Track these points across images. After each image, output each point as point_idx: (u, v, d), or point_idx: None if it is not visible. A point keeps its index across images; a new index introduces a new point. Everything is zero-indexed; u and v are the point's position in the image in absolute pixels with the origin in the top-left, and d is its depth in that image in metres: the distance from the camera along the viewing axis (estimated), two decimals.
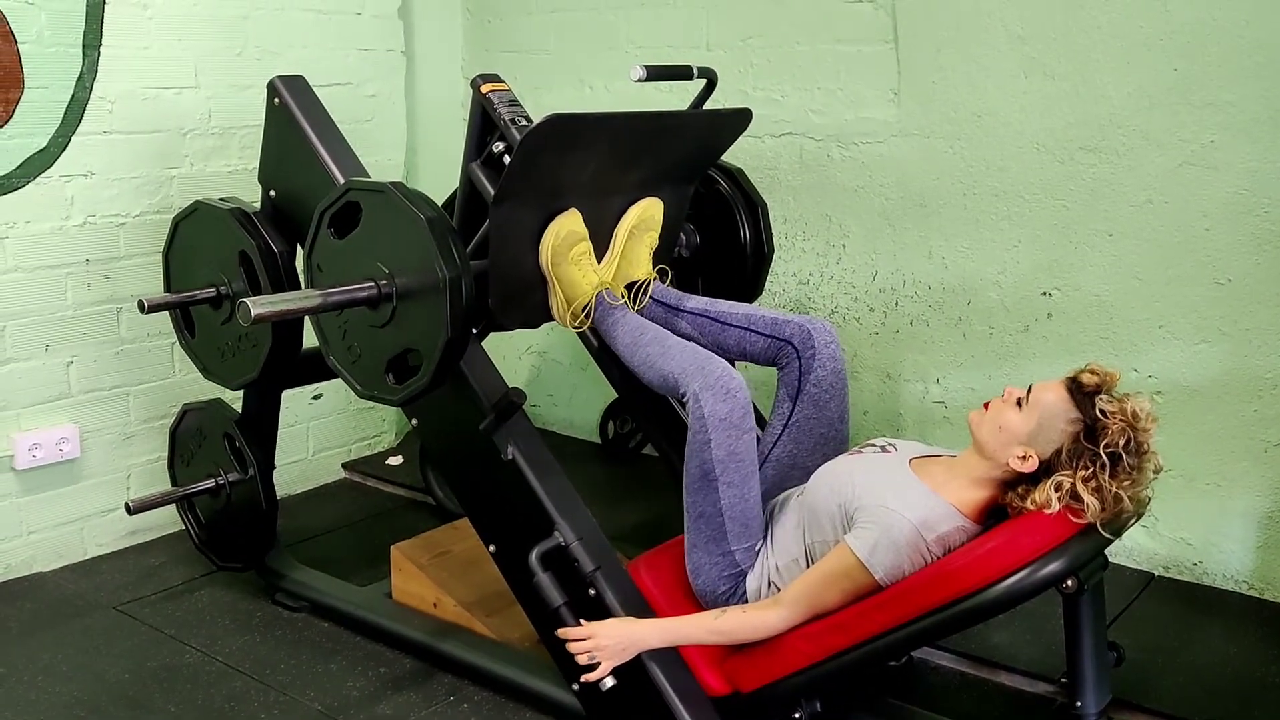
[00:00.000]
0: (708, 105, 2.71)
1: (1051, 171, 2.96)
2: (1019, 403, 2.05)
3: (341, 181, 2.53)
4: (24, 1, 2.89)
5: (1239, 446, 2.81)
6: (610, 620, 2.17)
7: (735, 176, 2.89)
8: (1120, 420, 1.95)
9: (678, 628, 2.18)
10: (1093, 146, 2.89)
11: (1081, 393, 1.99)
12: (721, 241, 2.88)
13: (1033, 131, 2.97)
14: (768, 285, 3.46)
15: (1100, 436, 1.95)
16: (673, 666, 2.18)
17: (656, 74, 2.57)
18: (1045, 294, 3.02)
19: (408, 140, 3.92)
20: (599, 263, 2.49)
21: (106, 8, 3.04)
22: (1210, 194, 2.76)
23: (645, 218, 2.54)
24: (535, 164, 2.27)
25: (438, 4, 4.01)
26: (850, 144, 3.28)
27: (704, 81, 2.70)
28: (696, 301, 2.54)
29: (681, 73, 2.67)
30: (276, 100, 2.66)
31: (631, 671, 2.18)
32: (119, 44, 3.08)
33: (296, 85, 2.67)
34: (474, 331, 2.35)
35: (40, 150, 2.98)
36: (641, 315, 2.49)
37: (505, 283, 2.40)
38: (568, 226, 2.39)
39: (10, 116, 2.91)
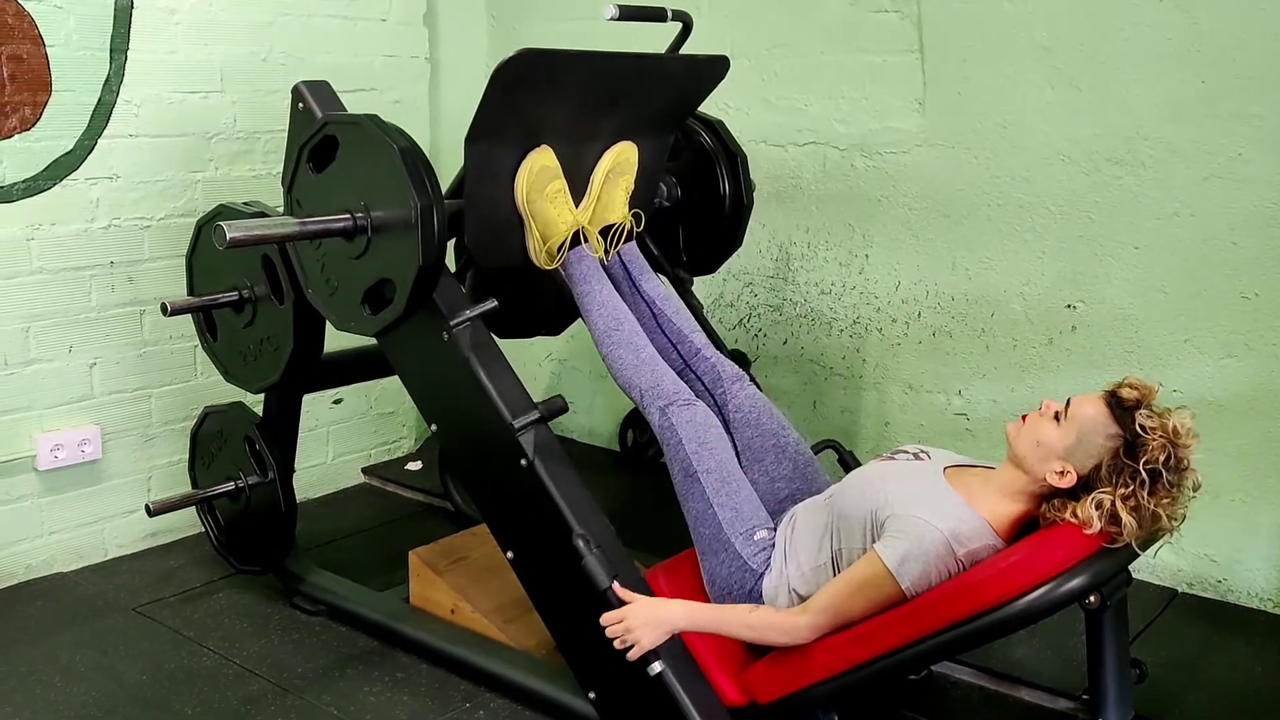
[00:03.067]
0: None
1: (1077, 183, 2.94)
2: (1056, 416, 2.03)
3: None
4: (52, 5, 2.91)
5: (1265, 463, 2.78)
6: (642, 600, 2.16)
7: (715, 128, 2.92)
8: (1161, 436, 1.93)
9: (708, 614, 2.18)
10: (1119, 158, 2.87)
11: (1121, 407, 1.97)
12: (701, 193, 2.91)
13: (1058, 143, 2.95)
14: (791, 294, 3.47)
15: (1140, 453, 1.93)
16: (689, 676, 2.17)
17: (629, 14, 2.60)
18: (1070, 306, 3.00)
19: (431, 146, 3.92)
20: (576, 206, 2.52)
21: (134, 12, 3.06)
22: (1237, 207, 2.73)
23: (620, 160, 2.59)
24: (509, 98, 2.30)
25: (463, 11, 4.02)
26: (874, 154, 3.27)
27: (679, 25, 2.71)
28: (651, 287, 2.61)
29: (655, 14, 2.69)
30: (301, 105, 2.66)
31: (647, 679, 2.17)
32: (146, 48, 3.10)
33: (321, 90, 2.68)
34: (485, 307, 2.36)
35: (67, 153, 3.00)
36: (607, 269, 2.55)
37: (482, 222, 2.44)
38: (540, 162, 2.43)
39: (38, 119, 2.93)
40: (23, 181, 2.93)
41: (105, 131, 3.06)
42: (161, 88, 3.15)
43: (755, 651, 2.25)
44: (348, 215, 2.26)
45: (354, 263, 2.31)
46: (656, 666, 2.11)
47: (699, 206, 2.93)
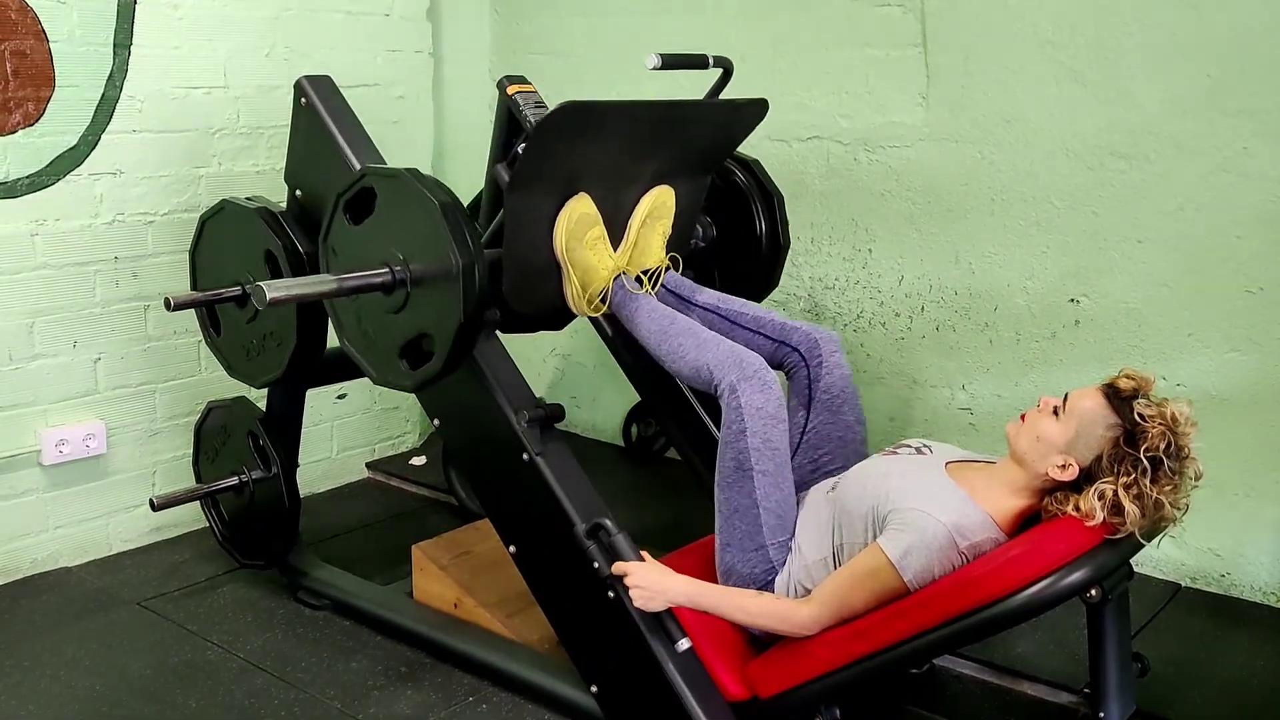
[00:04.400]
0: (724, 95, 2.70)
1: (1081, 178, 2.93)
2: (1055, 411, 2.04)
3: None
4: (56, 1, 2.91)
5: (1269, 457, 2.78)
6: (649, 564, 2.16)
7: (751, 167, 2.89)
8: (1160, 424, 1.94)
9: (710, 594, 2.17)
10: (1123, 153, 2.86)
11: (1119, 398, 1.98)
12: (738, 233, 2.88)
13: (1062, 137, 2.95)
14: (792, 288, 3.46)
15: (1140, 441, 1.94)
16: (691, 670, 2.17)
17: (672, 62, 2.57)
18: (1073, 301, 2.99)
19: (435, 141, 3.93)
20: (614, 250, 2.50)
21: (137, 7, 3.07)
22: (1242, 202, 2.72)
23: (658, 205, 2.55)
24: (551, 150, 2.28)
25: (466, 6, 4.02)
26: (878, 148, 3.26)
27: (720, 71, 2.69)
28: (708, 296, 2.55)
29: (697, 61, 2.67)
30: (304, 100, 2.67)
31: (649, 673, 2.17)
32: (149, 43, 3.10)
33: (324, 86, 2.69)
34: (491, 320, 2.35)
35: (70, 148, 3.00)
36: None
37: (520, 270, 2.41)
38: (580, 210, 2.40)
39: (41, 115, 2.94)
40: (27, 177, 2.93)
41: (109, 127, 3.06)
42: (165, 83, 3.16)
43: (757, 646, 2.26)
44: (386, 270, 2.20)
45: (392, 316, 2.25)
46: (684, 644, 2.11)
47: (735, 247, 2.89)
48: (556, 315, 2.57)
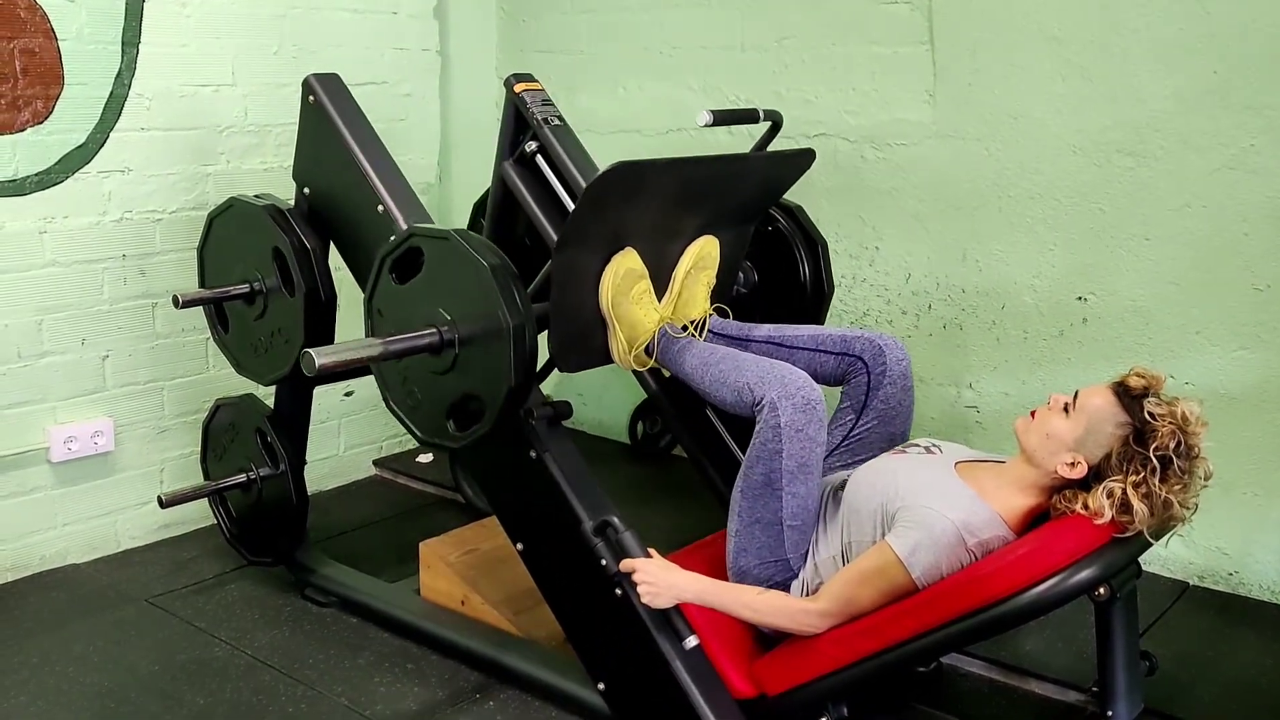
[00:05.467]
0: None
1: (1088, 175, 2.93)
2: (1065, 409, 2.03)
3: (378, 184, 2.54)
4: None
5: (1277, 455, 2.77)
6: (656, 559, 2.16)
7: (795, 214, 2.87)
8: (1170, 423, 1.93)
9: (716, 591, 2.16)
10: (1130, 150, 2.86)
11: (1129, 396, 1.98)
12: (781, 279, 2.87)
13: (1069, 134, 2.94)
14: None
15: (1150, 440, 1.93)
16: (698, 667, 2.17)
17: (723, 119, 2.58)
18: (1080, 299, 2.99)
19: (442, 139, 3.93)
20: (659, 301, 2.48)
21: (145, 5, 3.07)
22: (1249, 198, 2.72)
23: (703, 256, 2.53)
24: (600, 209, 2.26)
25: (473, 4, 4.02)
26: (884, 145, 3.26)
27: (769, 124, 2.68)
28: (764, 330, 2.51)
29: (748, 116, 2.67)
30: (311, 98, 2.67)
31: (657, 671, 2.17)
32: (157, 41, 3.11)
33: (331, 84, 2.69)
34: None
35: (79, 146, 3.01)
36: None
37: (566, 327, 2.38)
38: (626, 265, 2.37)
39: (50, 112, 2.95)
40: (35, 175, 2.94)
41: (117, 125, 3.07)
42: (173, 81, 3.16)
43: (765, 643, 2.25)
44: (434, 331, 2.18)
45: (439, 377, 2.23)
46: (692, 640, 2.11)
47: (778, 293, 2.88)
48: (600, 364, 2.56)
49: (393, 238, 2.29)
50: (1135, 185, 2.87)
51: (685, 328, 2.48)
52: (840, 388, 2.44)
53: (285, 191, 2.82)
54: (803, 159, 2.62)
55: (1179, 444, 1.93)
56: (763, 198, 2.68)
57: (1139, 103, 2.83)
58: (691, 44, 3.60)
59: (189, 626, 2.80)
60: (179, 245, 3.20)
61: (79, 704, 2.46)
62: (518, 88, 2.59)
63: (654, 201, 2.36)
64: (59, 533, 3.13)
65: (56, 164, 2.98)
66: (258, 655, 2.67)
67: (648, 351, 2.45)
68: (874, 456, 2.34)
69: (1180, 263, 2.83)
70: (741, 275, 2.84)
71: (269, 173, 3.37)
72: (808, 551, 2.23)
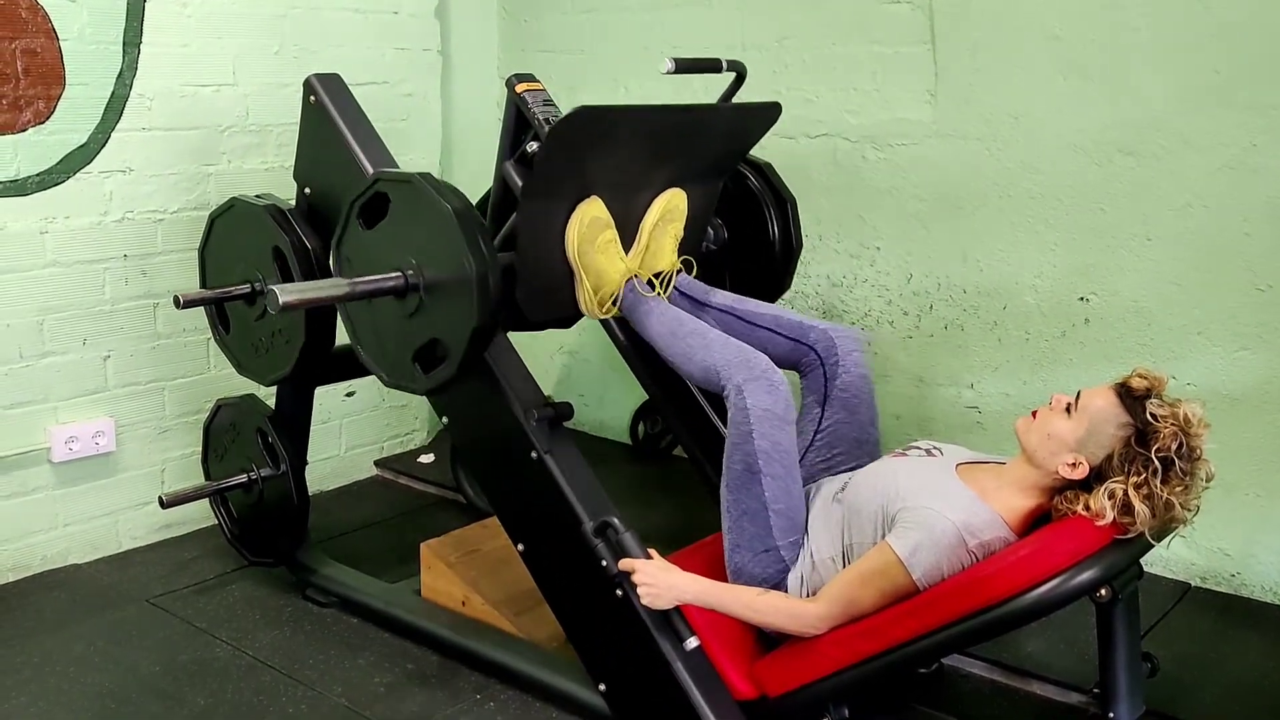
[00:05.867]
0: (737, 98, 2.69)
1: (1089, 174, 2.93)
2: (1067, 409, 2.03)
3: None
4: None
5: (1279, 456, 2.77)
6: (656, 561, 2.16)
7: (764, 171, 2.88)
8: (1172, 424, 1.93)
9: (716, 591, 2.17)
10: (1131, 149, 2.86)
11: (1131, 397, 1.98)
12: (750, 236, 2.88)
13: (1070, 134, 2.94)
14: (799, 286, 3.46)
15: (1152, 441, 1.93)
16: (699, 668, 2.17)
17: (686, 66, 2.57)
18: (1082, 299, 2.99)
19: (443, 139, 3.93)
20: (626, 254, 2.49)
21: (147, 5, 3.07)
22: (1251, 198, 2.72)
23: (670, 208, 2.55)
24: (565, 155, 2.27)
25: (474, 4, 4.02)
26: (885, 145, 3.26)
27: (734, 75, 2.69)
28: (722, 297, 2.55)
29: (711, 65, 2.66)
30: (312, 98, 2.67)
31: (658, 672, 2.17)
32: (159, 41, 3.11)
33: (332, 83, 2.69)
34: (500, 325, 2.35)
35: (80, 146, 3.01)
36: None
37: (533, 275, 2.41)
38: (591, 213, 2.40)
39: (52, 113, 2.94)
40: (37, 175, 2.94)
41: (118, 125, 3.07)
42: (174, 81, 3.16)
43: (766, 644, 2.25)
44: (399, 274, 2.21)
45: (405, 321, 2.26)
46: (692, 642, 2.11)
47: (747, 250, 2.89)
48: (569, 318, 2.57)
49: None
50: (1136, 185, 2.86)
51: (652, 282, 2.50)
52: (799, 377, 2.46)
53: (286, 191, 2.82)
54: (770, 111, 2.63)
55: (1181, 446, 1.92)
56: (730, 151, 2.69)
57: (1140, 102, 2.83)
58: (693, 44, 3.60)
59: (190, 627, 2.80)
60: (180, 245, 3.20)
61: (80, 704, 2.46)
62: (519, 88, 2.58)
63: (620, 150, 2.37)
64: (60, 533, 3.13)
65: (58, 164, 2.97)
66: (259, 656, 2.67)
67: (614, 301, 2.47)
68: (849, 449, 2.38)
69: (1182, 263, 2.83)
70: (711, 232, 2.85)
71: (270, 173, 3.37)
72: (800, 543, 2.23)
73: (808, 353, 2.44)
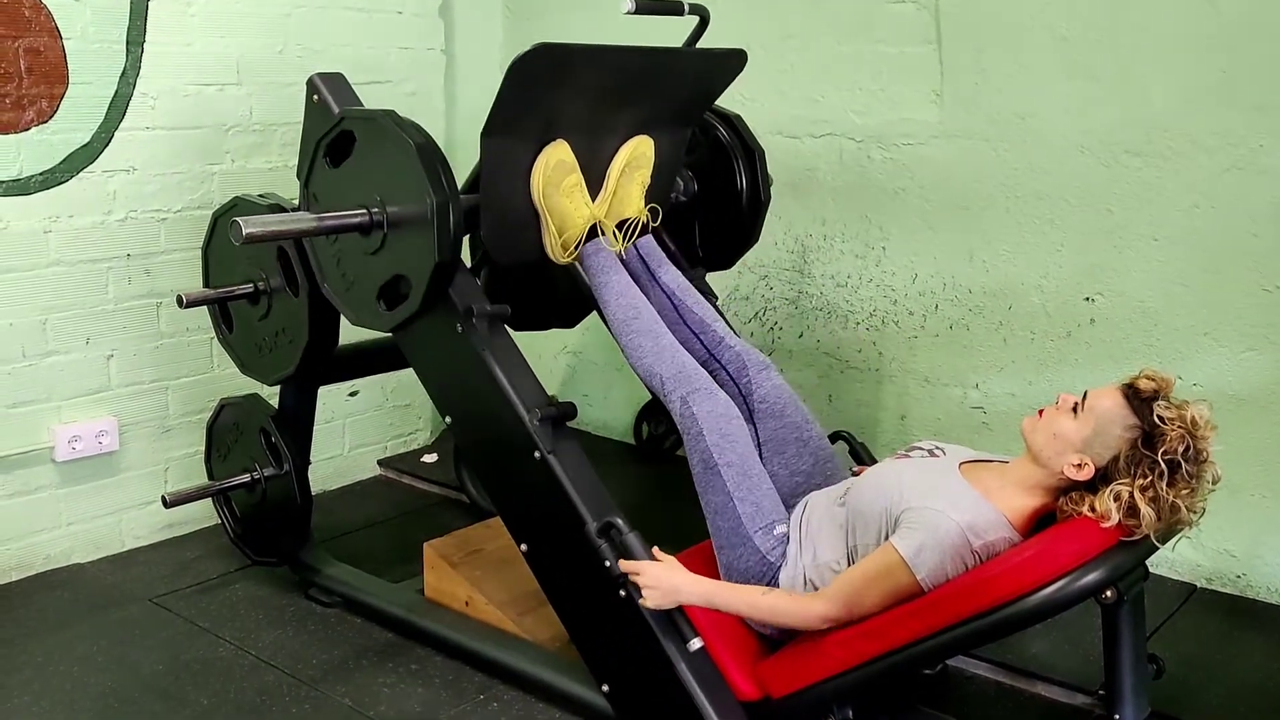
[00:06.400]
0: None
1: (1095, 175, 2.92)
2: (1074, 409, 2.02)
3: None
4: None
5: None
6: (660, 563, 2.16)
7: (733, 123, 2.91)
8: (1179, 427, 1.92)
9: (720, 592, 2.17)
10: (1138, 150, 2.85)
11: (1139, 399, 1.96)
12: (718, 187, 2.90)
13: (1076, 134, 2.93)
14: (804, 286, 3.45)
15: (1158, 443, 1.92)
16: (703, 669, 2.17)
17: (646, 9, 2.60)
18: (1088, 299, 2.98)
19: (446, 138, 3.93)
20: (593, 201, 2.52)
21: (150, 5, 3.07)
22: (1258, 198, 2.71)
23: (637, 155, 2.58)
24: (525, 93, 2.29)
25: (478, 3, 4.02)
26: (891, 145, 3.25)
27: (696, 19, 2.70)
28: (670, 277, 2.60)
29: (673, 8, 2.69)
30: (316, 97, 2.66)
31: (661, 673, 2.16)
32: (162, 40, 3.11)
33: (336, 82, 2.67)
34: (500, 313, 2.36)
35: (84, 145, 3.01)
36: (624, 262, 2.55)
37: (498, 217, 2.43)
38: (556, 156, 2.42)
39: (55, 112, 2.94)
40: (40, 174, 2.94)
41: (122, 124, 3.07)
42: (178, 80, 3.16)
43: (769, 645, 2.25)
44: (364, 211, 2.27)
45: (370, 258, 2.32)
46: (696, 643, 2.10)
47: (716, 202, 2.92)
48: (544, 274, 2.57)
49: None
50: (1143, 185, 2.85)
51: (621, 228, 2.54)
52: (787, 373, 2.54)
53: (290, 191, 2.81)
54: (735, 58, 2.65)
55: (1188, 448, 1.91)
56: (696, 97, 2.71)
57: (1147, 103, 2.82)
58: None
59: (193, 626, 2.80)
60: (184, 244, 3.20)
61: (82, 704, 2.46)
62: None
63: (584, 92, 2.39)
64: (63, 532, 3.13)
65: (61, 163, 2.97)
66: (261, 655, 2.66)
67: (578, 247, 2.51)
68: (800, 450, 2.43)
69: (1188, 263, 2.82)
70: (680, 183, 2.87)
71: (274, 172, 3.37)
72: (781, 537, 2.24)
73: (720, 370, 2.53)
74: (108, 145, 3.05)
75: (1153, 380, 1.98)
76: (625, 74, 2.46)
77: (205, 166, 3.25)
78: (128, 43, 3.05)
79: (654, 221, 2.61)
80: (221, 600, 2.94)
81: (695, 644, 2.10)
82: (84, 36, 2.96)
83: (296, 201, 2.73)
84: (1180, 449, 1.91)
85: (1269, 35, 2.63)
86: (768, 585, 2.22)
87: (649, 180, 2.61)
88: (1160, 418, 1.93)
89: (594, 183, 2.53)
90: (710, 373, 2.48)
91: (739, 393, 2.49)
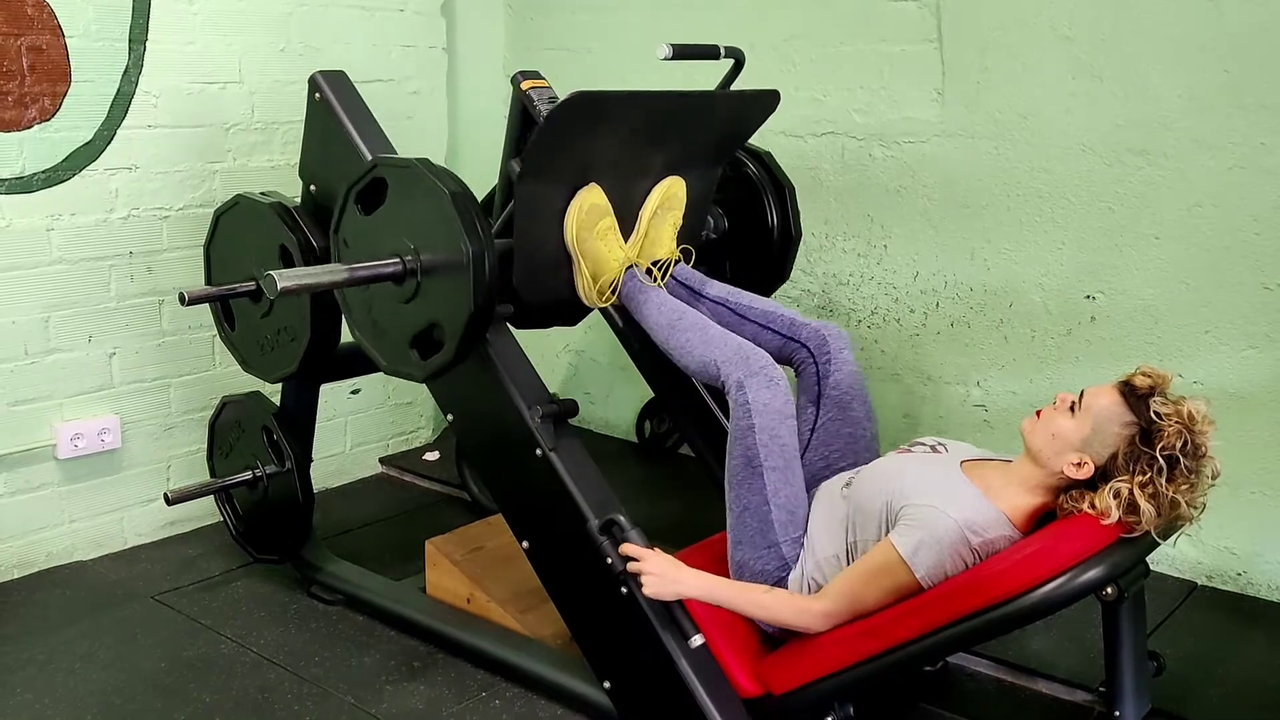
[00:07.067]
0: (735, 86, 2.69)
1: (1098, 174, 2.92)
2: (1071, 408, 2.02)
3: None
4: None
5: None
6: (663, 555, 2.16)
7: (763, 159, 2.89)
8: (1176, 422, 1.92)
9: (722, 588, 2.16)
10: (1140, 149, 2.85)
11: (1135, 396, 1.97)
12: (749, 225, 2.88)
13: (1079, 133, 2.93)
14: (806, 284, 3.45)
15: (1156, 440, 1.92)
16: (704, 666, 2.17)
17: (683, 53, 2.57)
18: (1089, 297, 2.98)
19: (449, 137, 3.93)
20: (625, 241, 2.49)
21: (153, 2, 3.07)
22: (1261, 198, 2.70)
23: (669, 196, 2.55)
24: (561, 140, 2.28)
25: (480, 1, 4.02)
26: (893, 144, 3.25)
27: (732, 61, 2.69)
28: (718, 289, 2.55)
29: (709, 52, 2.67)
30: (318, 95, 2.67)
31: (662, 669, 2.17)
32: (164, 38, 3.11)
33: (338, 81, 2.69)
34: (504, 314, 2.35)
35: (86, 143, 3.01)
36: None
37: (530, 261, 2.41)
38: (590, 200, 2.40)
39: (57, 110, 2.95)
40: (42, 172, 2.94)
41: (124, 122, 3.07)
42: (180, 78, 3.16)
43: (770, 643, 2.25)
44: (397, 259, 2.21)
45: (402, 306, 2.26)
46: (697, 639, 2.10)
47: (747, 238, 2.89)
48: (569, 308, 2.57)
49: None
50: (1145, 184, 2.85)
51: (650, 270, 2.50)
52: (794, 374, 2.46)
53: (292, 189, 2.82)
54: (768, 99, 2.62)
55: (1186, 443, 1.91)
56: (729, 138, 2.69)
57: (1150, 102, 2.82)
58: (698, 40, 3.56)
59: (195, 624, 2.80)
60: (186, 242, 3.20)
61: (85, 701, 2.46)
62: (525, 85, 2.58)
63: (618, 136, 2.37)
64: (65, 529, 3.13)
65: (63, 161, 2.98)
66: (263, 653, 2.67)
67: (613, 290, 2.47)
68: (845, 445, 2.37)
69: (1190, 262, 2.82)
70: (711, 221, 2.85)
71: (276, 170, 3.38)
72: (801, 540, 2.23)
73: (799, 349, 2.44)
74: (110, 143, 3.05)
75: (1149, 377, 1.98)
76: (659, 117, 2.44)
77: (207, 164, 3.26)
78: (130, 41, 3.05)
79: (687, 262, 2.59)
80: (223, 598, 2.95)
81: (696, 641, 2.10)
82: (86, 34, 2.96)
83: (299, 199, 2.75)
84: (1178, 444, 1.91)
85: (1272, 35, 2.63)
86: (775, 585, 2.22)
87: (681, 221, 2.58)
88: (1157, 414, 1.93)
89: (626, 223, 2.50)
90: (790, 356, 2.43)
91: (816, 374, 2.41)
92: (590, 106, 2.27)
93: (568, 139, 2.29)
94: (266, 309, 2.74)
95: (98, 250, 3.07)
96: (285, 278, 2.11)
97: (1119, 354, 2.91)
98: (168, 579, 3.06)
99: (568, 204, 2.40)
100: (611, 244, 2.44)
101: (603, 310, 2.73)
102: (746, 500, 2.23)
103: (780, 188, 2.86)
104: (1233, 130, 2.71)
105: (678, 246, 2.57)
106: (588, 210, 2.39)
